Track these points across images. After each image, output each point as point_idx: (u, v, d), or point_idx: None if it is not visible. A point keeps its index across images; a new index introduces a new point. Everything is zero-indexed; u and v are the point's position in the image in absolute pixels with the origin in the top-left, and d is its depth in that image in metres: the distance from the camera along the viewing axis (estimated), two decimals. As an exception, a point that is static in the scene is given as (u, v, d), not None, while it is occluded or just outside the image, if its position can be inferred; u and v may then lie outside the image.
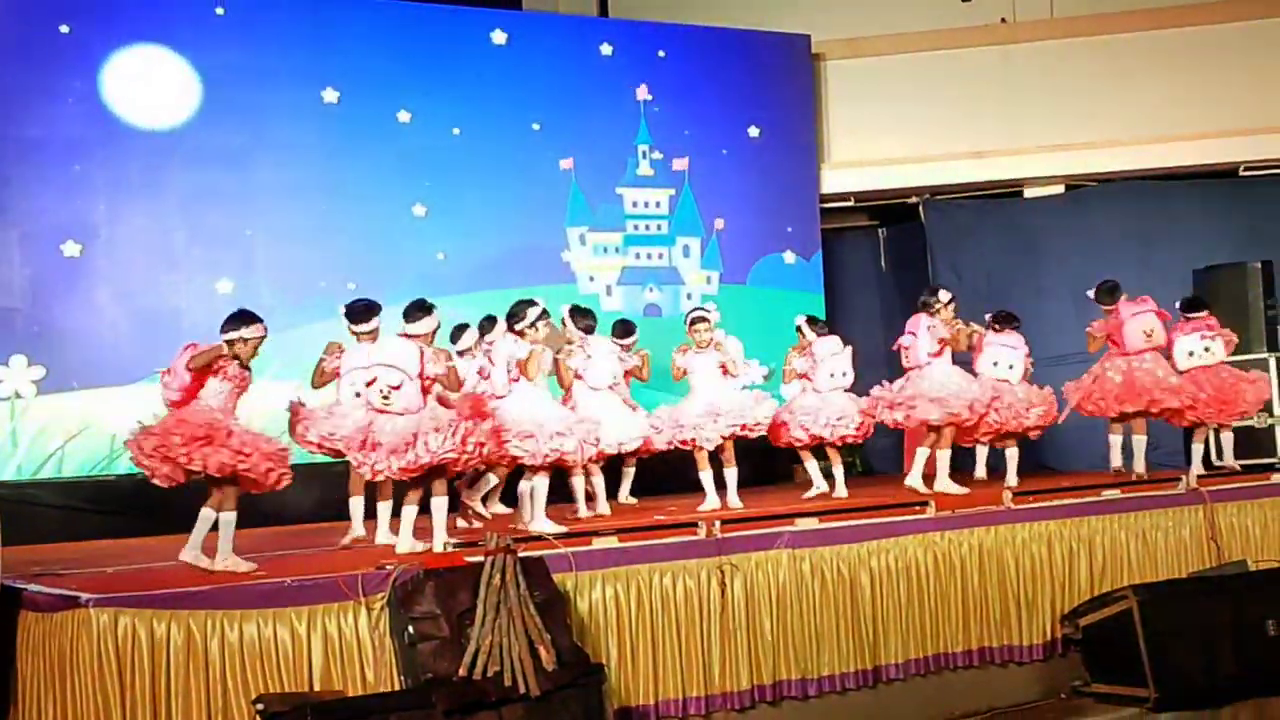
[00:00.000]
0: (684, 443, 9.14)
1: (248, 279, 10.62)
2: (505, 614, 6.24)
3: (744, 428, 9.10)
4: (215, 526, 6.79)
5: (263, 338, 7.00)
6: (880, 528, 7.96)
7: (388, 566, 6.52)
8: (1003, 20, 13.56)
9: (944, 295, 9.57)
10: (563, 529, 7.67)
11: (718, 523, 7.51)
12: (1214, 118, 12.98)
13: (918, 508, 8.24)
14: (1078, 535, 8.51)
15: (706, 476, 9.15)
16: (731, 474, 9.17)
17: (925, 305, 9.55)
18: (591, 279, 11.99)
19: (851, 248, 14.58)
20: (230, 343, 6.87)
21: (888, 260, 14.62)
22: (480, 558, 6.41)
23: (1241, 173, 13.13)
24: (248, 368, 7.01)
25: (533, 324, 8.06)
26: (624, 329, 9.71)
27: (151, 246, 10.39)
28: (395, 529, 7.51)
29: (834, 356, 9.37)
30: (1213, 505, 8.97)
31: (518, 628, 6.22)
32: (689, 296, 12.35)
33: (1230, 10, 13.06)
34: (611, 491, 9.98)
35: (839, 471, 9.52)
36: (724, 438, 9.02)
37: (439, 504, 7.24)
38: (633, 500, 10.31)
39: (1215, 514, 8.97)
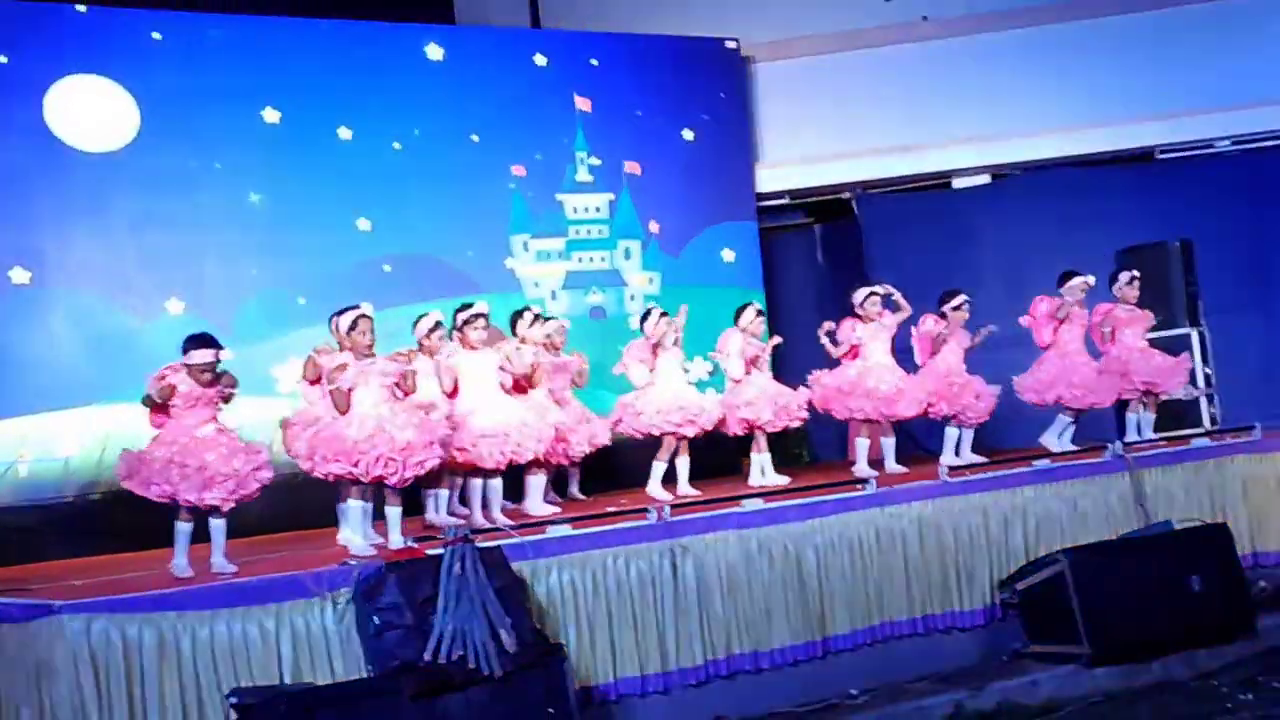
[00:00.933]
0: (649, 432, 9.59)
1: (198, 298, 10.79)
2: (466, 600, 6.52)
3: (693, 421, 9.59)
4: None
5: (212, 362, 7.27)
6: (824, 505, 8.28)
7: (350, 563, 6.79)
8: (924, 18, 13.93)
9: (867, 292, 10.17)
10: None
11: (667, 507, 7.81)
12: (1129, 104, 13.43)
13: (858, 485, 8.54)
14: (1011, 505, 8.87)
15: (660, 466, 9.69)
16: (684, 463, 9.70)
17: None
18: (536, 284, 12.25)
19: (789, 244, 14.90)
20: (189, 367, 7.18)
21: (824, 255, 14.99)
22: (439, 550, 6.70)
23: (1158, 156, 13.57)
24: (214, 385, 7.30)
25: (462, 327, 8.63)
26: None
27: (100, 270, 10.51)
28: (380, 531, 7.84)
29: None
30: (1138, 471, 9.34)
31: (478, 613, 6.51)
32: (632, 298, 12.67)
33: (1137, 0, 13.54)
34: (560, 490, 10.35)
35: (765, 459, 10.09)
36: (683, 429, 9.56)
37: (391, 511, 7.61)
38: (582, 496, 10.62)
39: (1141, 479, 9.33)
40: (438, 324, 8.71)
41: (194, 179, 10.89)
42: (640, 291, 12.70)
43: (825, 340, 10.17)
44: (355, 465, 7.31)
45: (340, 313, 8.00)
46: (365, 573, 6.61)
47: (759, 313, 10.21)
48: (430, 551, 6.89)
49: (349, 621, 6.59)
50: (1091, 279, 10.41)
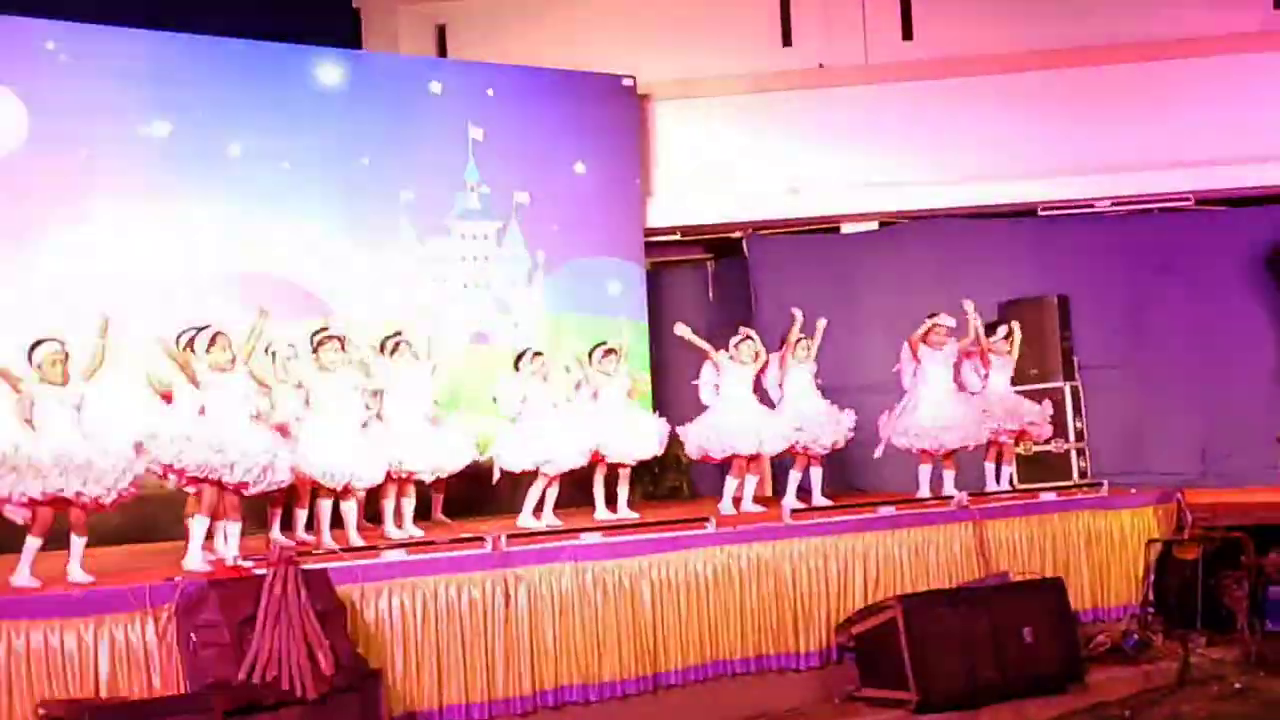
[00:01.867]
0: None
1: (79, 305, 10.79)
2: (285, 622, 6.62)
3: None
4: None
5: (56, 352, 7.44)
6: (663, 542, 8.43)
7: (177, 579, 6.89)
8: (820, 65, 14.25)
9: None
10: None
11: (504, 536, 7.94)
12: (1015, 160, 13.80)
13: (699, 523, 8.70)
14: (853, 550, 9.03)
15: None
16: (553, 493, 9.94)
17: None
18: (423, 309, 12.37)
19: (682, 279, 15.11)
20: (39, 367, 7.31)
21: (715, 291, 15.19)
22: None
23: (1040, 212, 13.90)
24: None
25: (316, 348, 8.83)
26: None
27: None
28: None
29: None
30: (982, 522, 9.56)
31: (297, 635, 6.61)
32: (516, 325, 12.82)
33: (1031, 60, 13.89)
34: (422, 513, 10.45)
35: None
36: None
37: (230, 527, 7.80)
38: (445, 519, 10.76)
39: (985, 530, 9.56)
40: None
41: (78, 188, 10.93)
42: (526, 320, 12.85)
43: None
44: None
45: (197, 331, 8.12)
46: (188, 589, 6.70)
47: (608, 351, 10.32)
48: (257, 571, 6.98)
49: (170, 637, 6.68)
50: (951, 321, 10.62)
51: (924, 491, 10.43)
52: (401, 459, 9.13)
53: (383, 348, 9.69)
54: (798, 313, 10.65)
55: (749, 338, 10.48)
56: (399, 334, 9.87)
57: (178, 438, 7.63)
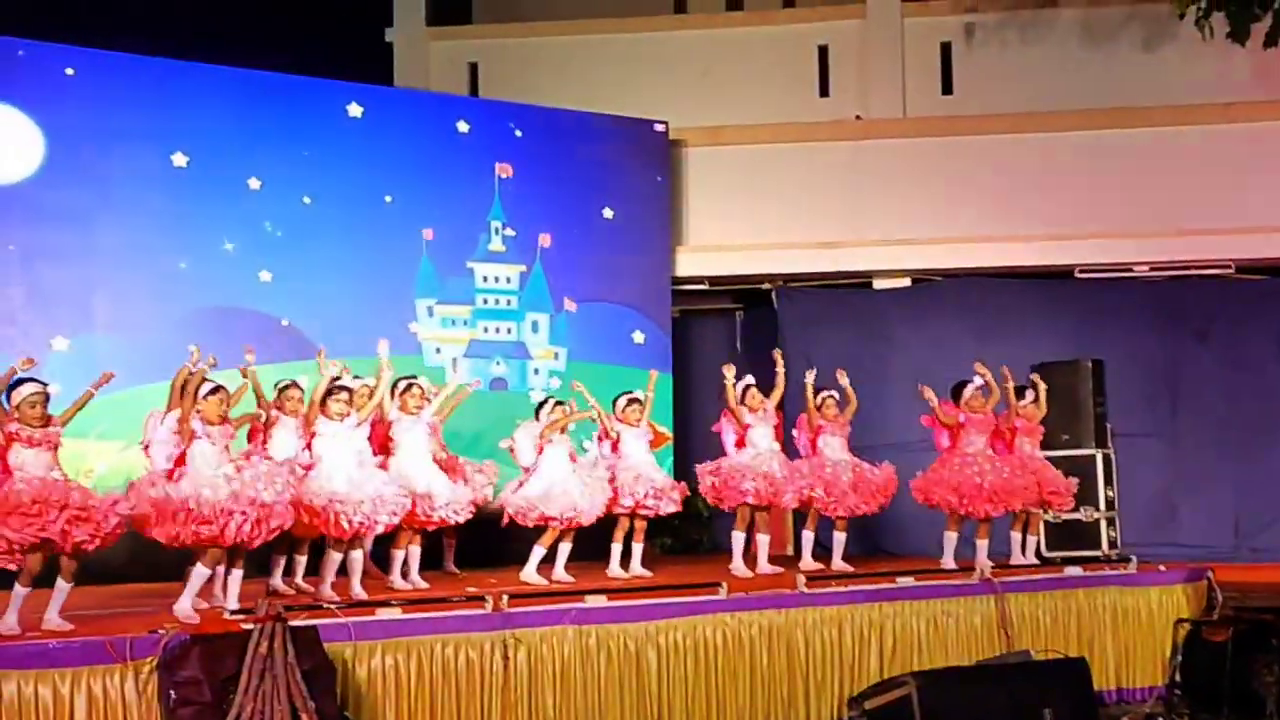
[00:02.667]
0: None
1: (86, 338, 10.69)
2: (270, 681, 6.37)
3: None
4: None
5: (37, 394, 7.22)
6: (671, 607, 8.13)
7: (160, 631, 6.63)
8: (857, 117, 14.03)
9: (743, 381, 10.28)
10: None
11: (505, 596, 7.66)
12: (1053, 221, 13.50)
13: (710, 588, 8.41)
14: (869, 620, 8.71)
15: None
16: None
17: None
18: (438, 350, 12.18)
19: (711, 328, 14.91)
20: (17, 408, 7.10)
21: (743, 342, 14.93)
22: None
23: (1077, 274, 13.59)
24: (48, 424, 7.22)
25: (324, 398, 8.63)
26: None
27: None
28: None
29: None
30: (1004, 595, 9.22)
31: (281, 695, 6.36)
32: (535, 372, 12.60)
33: (1072, 120, 13.62)
34: (434, 563, 10.21)
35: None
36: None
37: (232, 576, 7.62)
38: (456, 570, 10.50)
39: (1007, 603, 9.22)
40: (292, 384, 8.81)
41: (93, 217, 10.81)
42: (545, 366, 12.63)
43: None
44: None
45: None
46: (171, 643, 6.46)
47: (632, 401, 10.09)
48: (246, 626, 6.72)
49: (150, 692, 6.43)
50: (980, 382, 10.36)
51: (948, 561, 10.11)
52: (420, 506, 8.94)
53: (393, 392, 9.45)
54: (810, 376, 10.47)
55: (750, 387, 10.28)
56: (412, 378, 9.64)
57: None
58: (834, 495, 10.21)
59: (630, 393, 10.19)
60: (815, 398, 10.40)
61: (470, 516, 9.49)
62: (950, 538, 10.31)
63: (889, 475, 10.42)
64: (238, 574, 7.76)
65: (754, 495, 9.99)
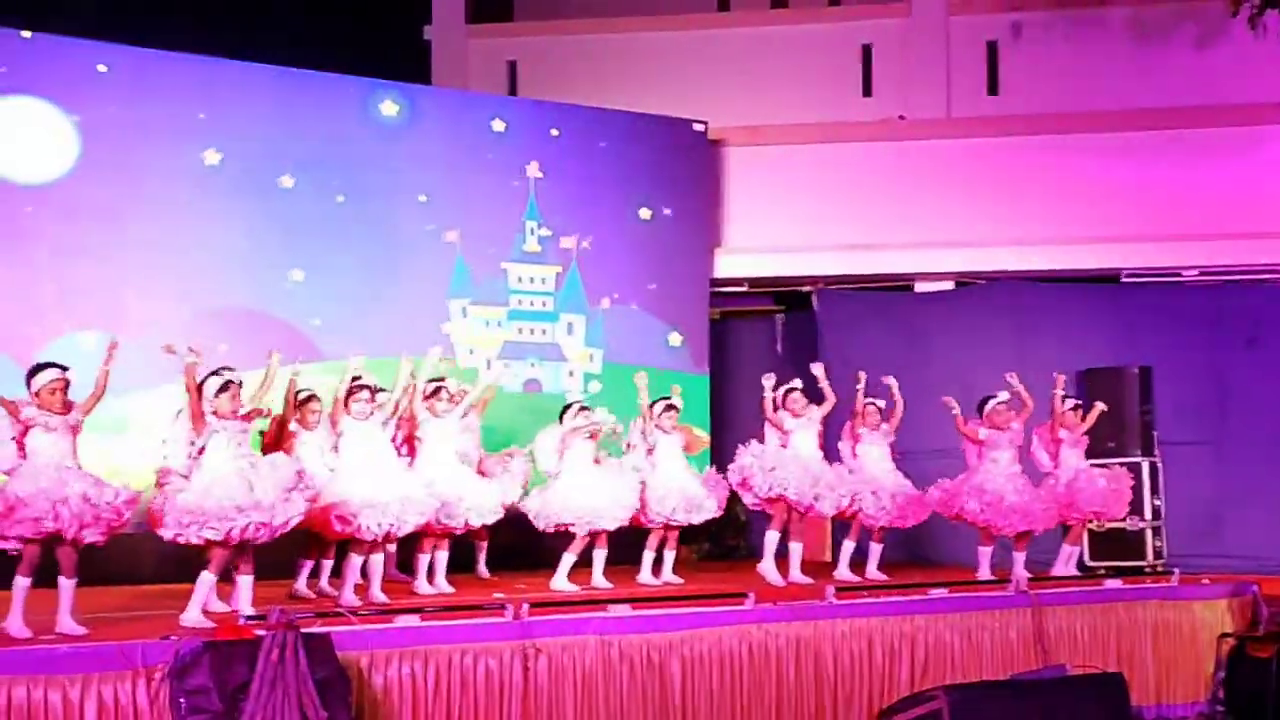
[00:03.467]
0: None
1: (115, 334, 10.58)
2: (281, 690, 6.25)
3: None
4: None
5: (57, 379, 7.16)
6: (696, 617, 7.96)
7: (173, 637, 6.54)
8: (901, 117, 13.81)
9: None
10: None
11: (525, 605, 7.52)
12: (1098, 224, 13.26)
13: (737, 598, 8.24)
14: (900, 632, 8.49)
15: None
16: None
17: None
18: (471, 351, 12.06)
19: (750, 331, 14.72)
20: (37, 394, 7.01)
21: (785, 345, 14.73)
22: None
23: (1123, 279, 13.32)
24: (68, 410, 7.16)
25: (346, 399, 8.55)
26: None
27: (15, 296, 10.40)
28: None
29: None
30: (1041, 608, 9.00)
31: (293, 704, 6.24)
32: (570, 374, 12.47)
33: (1121, 121, 13.37)
34: (467, 565, 10.10)
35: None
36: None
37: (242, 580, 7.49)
38: (486, 574, 10.39)
39: (1043, 616, 8.99)
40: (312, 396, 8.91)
41: (125, 214, 10.76)
42: (579, 368, 12.50)
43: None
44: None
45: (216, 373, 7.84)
46: (183, 650, 6.35)
47: (668, 406, 9.94)
48: (259, 632, 6.61)
49: (163, 700, 6.33)
50: (1005, 396, 10.14)
51: (984, 573, 9.91)
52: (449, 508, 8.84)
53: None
54: (863, 376, 10.27)
55: (792, 390, 10.10)
56: (440, 380, 9.52)
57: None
58: (872, 508, 10.03)
59: (667, 398, 10.02)
60: (861, 407, 10.22)
61: (498, 518, 9.36)
62: (984, 551, 10.11)
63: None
64: (248, 579, 7.59)
65: (794, 490, 9.77)
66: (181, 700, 6.19)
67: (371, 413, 8.53)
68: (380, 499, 8.29)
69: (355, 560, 8.47)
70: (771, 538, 10.03)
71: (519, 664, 7.29)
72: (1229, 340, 13.11)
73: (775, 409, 10.03)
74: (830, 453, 10.44)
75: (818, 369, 10.29)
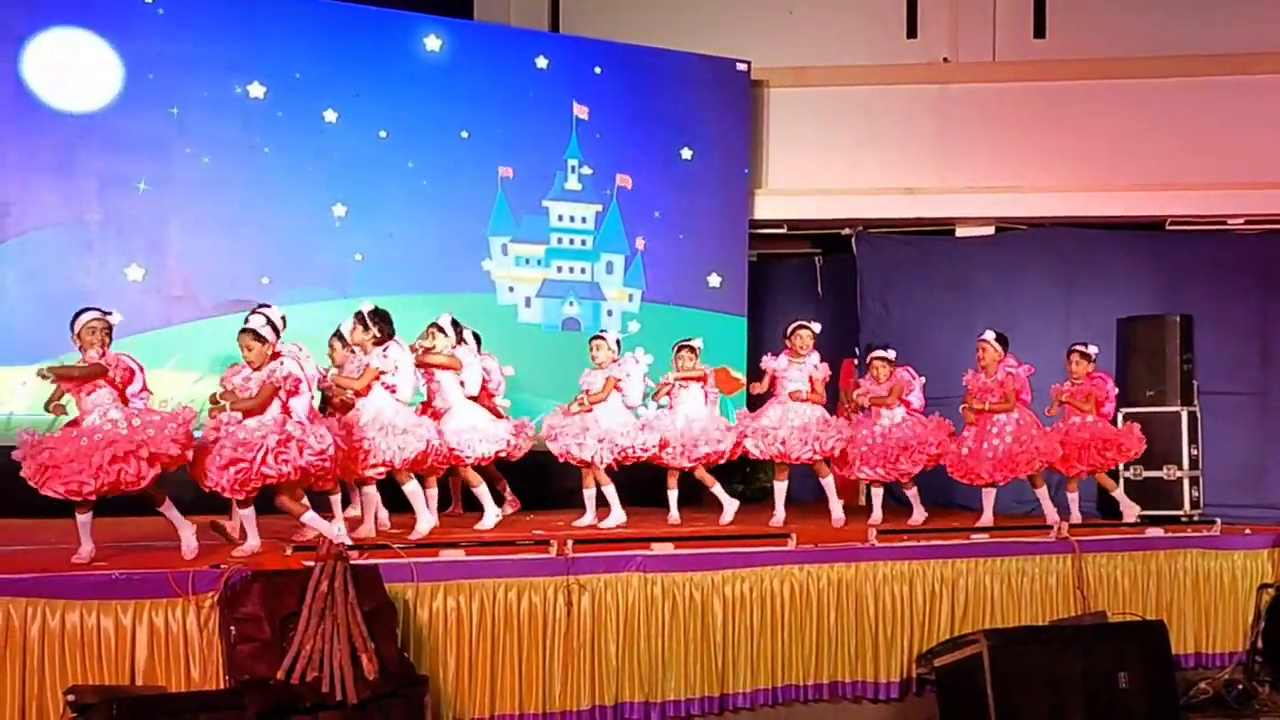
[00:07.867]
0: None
1: (159, 267, 10.69)
2: (330, 620, 6.29)
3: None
4: None
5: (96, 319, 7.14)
6: (738, 557, 7.95)
7: (222, 566, 6.58)
8: (945, 59, 13.65)
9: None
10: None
11: (570, 541, 7.54)
12: (1143, 171, 13.09)
13: (779, 539, 8.24)
14: (941, 576, 8.48)
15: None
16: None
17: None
18: (511, 289, 12.05)
19: (789, 273, 14.63)
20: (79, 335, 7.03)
21: (825, 288, 14.66)
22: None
23: (1168, 226, 13.19)
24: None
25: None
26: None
27: (62, 228, 10.43)
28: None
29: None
30: (1081, 555, 8.97)
31: (341, 635, 6.28)
32: (609, 313, 12.44)
33: (1169, 66, 13.15)
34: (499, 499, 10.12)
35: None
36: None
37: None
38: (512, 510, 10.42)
39: (1084, 563, 8.97)
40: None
41: (169, 146, 10.76)
42: (618, 308, 12.46)
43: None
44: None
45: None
46: (233, 579, 6.40)
47: (687, 349, 9.91)
48: (307, 563, 6.65)
49: (212, 627, 6.39)
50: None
51: (1050, 515, 9.79)
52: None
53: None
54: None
55: (800, 328, 9.97)
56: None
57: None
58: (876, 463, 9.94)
59: (688, 340, 9.99)
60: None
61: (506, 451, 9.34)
62: (989, 493, 9.98)
63: (941, 426, 10.13)
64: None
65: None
66: (231, 628, 6.24)
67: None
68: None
69: (371, 493, 8.49)
70: (780, 488, 10.04)
71: (562, 600, 7.33)
72: (1274, 290, 12.97)
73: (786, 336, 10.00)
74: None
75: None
